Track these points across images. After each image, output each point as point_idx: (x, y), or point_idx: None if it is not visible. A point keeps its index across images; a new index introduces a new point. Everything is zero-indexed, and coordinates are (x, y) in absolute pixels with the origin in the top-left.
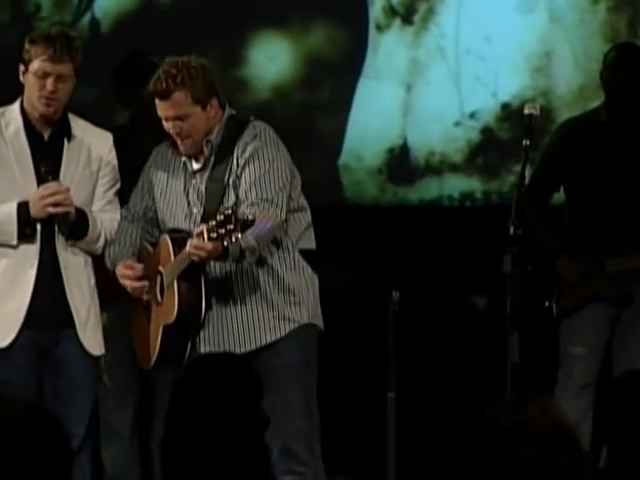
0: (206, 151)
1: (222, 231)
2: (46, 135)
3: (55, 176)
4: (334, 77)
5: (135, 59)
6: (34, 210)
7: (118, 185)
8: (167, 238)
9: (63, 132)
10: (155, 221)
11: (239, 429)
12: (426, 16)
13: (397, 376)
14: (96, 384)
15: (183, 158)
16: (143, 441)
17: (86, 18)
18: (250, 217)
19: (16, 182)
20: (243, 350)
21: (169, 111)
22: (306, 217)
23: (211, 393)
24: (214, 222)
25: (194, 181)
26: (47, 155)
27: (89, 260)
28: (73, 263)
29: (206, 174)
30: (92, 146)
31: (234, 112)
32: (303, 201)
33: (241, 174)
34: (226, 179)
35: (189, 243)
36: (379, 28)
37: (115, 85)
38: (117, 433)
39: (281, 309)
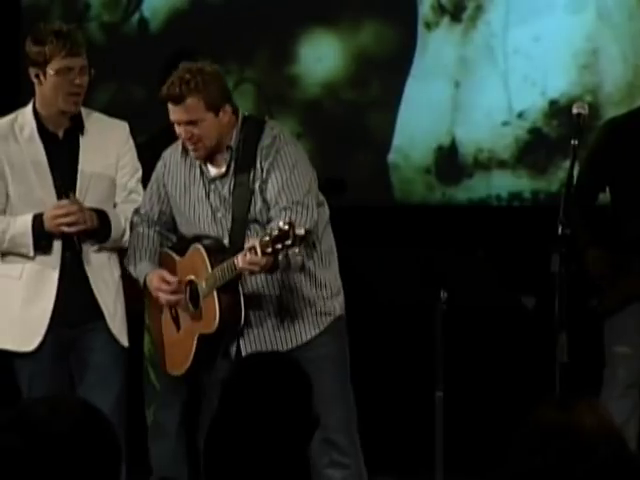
0: (227, 157)
1: (279, 246)
2: (60, 134)
3: (67, 191)
4: (383, 75)
5: (181, 59)
6: (48, 226)
7: (139, 173)
8: (201, 248)
9: (77, 128)
10: (171, 225)
11: (289, 428)
12: (474, 14)
13: (445, 375)
14: (124, 375)
15: (198, 163)
16: (190, 439)
17: (135, 18)
18: (303, 232)
19: (34, 191)
20: (285, 348)
21: (182, 116)
22: (326, 211)
23: (261, 392)
24: (268, 237)
25: (213, 186)
26: (63, 155)
27: (113, 255)
28: (96, 260)
29: (228, 180)
30: (108, 138)
31: (247, 113)
32: (321, 196)
33: (267, 179)
34: (251, 185)
35: (241, 258)
36: (428, 26)
37: (160, 85)
38: (164, 431)
39: (318, 305)
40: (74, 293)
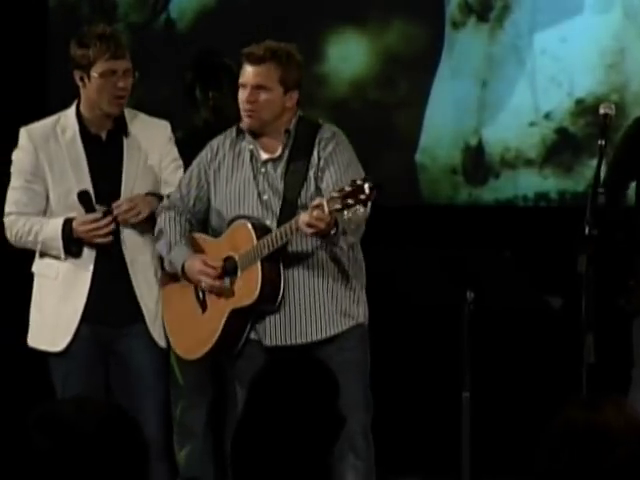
0: (284, 140)
1: (350, 201)
2: (104, 136)
3: (91, 201)
4: (410, 74)
5: (206, 60)
6: (77, 234)
7: (181, 168)
8: (247, 223)
9: (120, 130)
10: (201, 215)
11: (314, 429)
12: (501, 14)
13: (472, 376)
14: (166, 378)
15: (250, 147)
16: (217, 440)
17: (162, 18)
18: (372, 187)
19: (72, 193)
20: (305, 340)
21: (255, 78)
22: None
23: (289, 393)
24: (337, 193)
25: (264, 170)
26: (107, 158)
27: (156, 253)
28: (140, 259)
29: (281, 164)
30: (151, 138)
31: (302, 114)
32: None
33: (324, 168)
34: (306, 171)
35: (307, 214)
36: (455, 25)
37: (186, 86)
38: (191, 432)
39: (344, 305)
40: (112, 293)
